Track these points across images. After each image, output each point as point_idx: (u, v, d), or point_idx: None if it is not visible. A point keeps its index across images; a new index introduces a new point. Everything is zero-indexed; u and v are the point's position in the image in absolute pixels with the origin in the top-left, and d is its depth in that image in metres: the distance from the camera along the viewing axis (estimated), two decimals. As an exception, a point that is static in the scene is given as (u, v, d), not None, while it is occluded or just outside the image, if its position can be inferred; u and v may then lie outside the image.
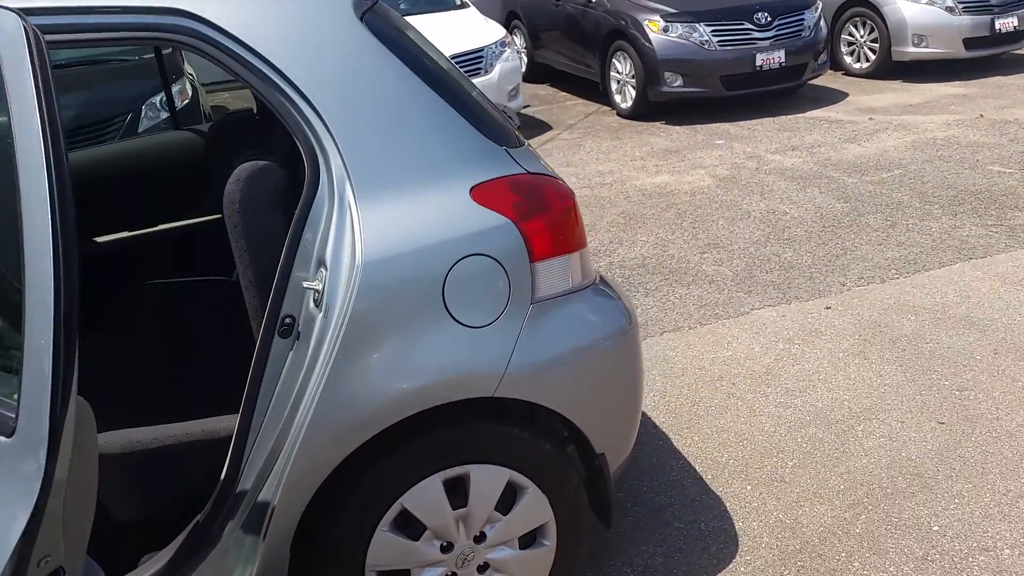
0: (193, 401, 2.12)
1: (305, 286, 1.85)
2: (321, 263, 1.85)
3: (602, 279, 2.23)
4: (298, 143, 1.87)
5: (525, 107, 8.33)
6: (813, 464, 2.83)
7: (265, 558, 1.91)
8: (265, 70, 1.82)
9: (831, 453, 2.88)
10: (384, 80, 1.91)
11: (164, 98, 6.46)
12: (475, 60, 7.36)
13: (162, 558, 1.94)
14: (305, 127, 1.85)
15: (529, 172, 1.99)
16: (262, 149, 2.11)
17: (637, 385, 2.19)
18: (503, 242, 1.90)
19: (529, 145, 2.21)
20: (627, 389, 2.16)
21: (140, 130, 6.27)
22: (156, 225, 3.24)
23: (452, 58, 7.18)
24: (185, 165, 3.12)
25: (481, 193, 1.91)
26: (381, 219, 1.84)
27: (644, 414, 3.17)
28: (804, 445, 2.94)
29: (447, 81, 2.00)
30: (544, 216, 1.97)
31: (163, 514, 2.07)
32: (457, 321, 1.87)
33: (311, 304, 1.86)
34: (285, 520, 1.90)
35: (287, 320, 1.88)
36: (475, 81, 7.29)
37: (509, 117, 2.38)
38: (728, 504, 2.66)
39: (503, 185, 1.94)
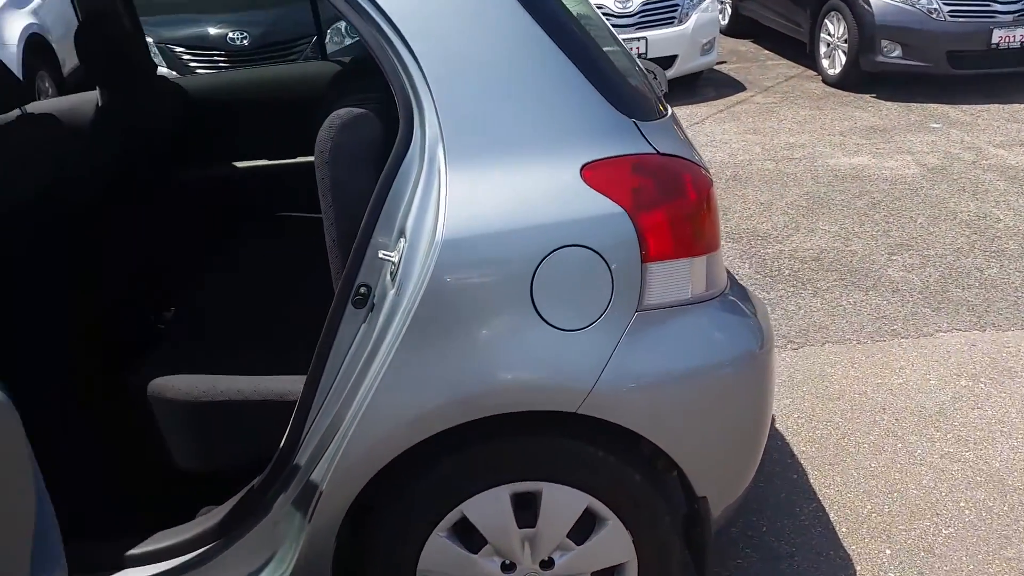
0: (287, 349, 1.99)
1: (381, 256, 1.63)
2: (402, 233, 1.62)
3: (736, 288, 1.86)
4: (393, 91, 1.63)
5: (720, 63, 7.75)
6: (974, 539, 2.35)
7: (309, 540, 1.76)
8: (361, 1, 1.58)
9: (1000, 529, 2.38)
10: (498, 27, 1.61)
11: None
12: (670, 8, 6.86)
13: (215, 516, 1.85)
14: (402, 73, 1.60)
15: (659, 152, 1.65)
16: (374, 95, 1.89)
17: (760, 423, 1.82)
18: (611, 234, 1.58)
19: (674, 118, 1.85)
20: (746, 427, 1.80)
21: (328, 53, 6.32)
22: (295, 157, 3.15)
23: (645, 4, 6.83)
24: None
25: (594, 173, 1.59)
26: (471, 191, 1.57)
27: (782, 437, 2.77)
28: (967, 512, 2.45)
29: (577, 35, 1.67)
30: (668, 208, 1.62)
31: (230, 470, 1.97)
32: (543, 320, 1.59)
33: (388, 277, 1.64)
34: (332, 506, 1.73)
35: (362, 289, 1.67)
36: (668, 31, 6.84)
37: (655, 80, 2.02)
38: (859, 568, 2.25)
39: (623, 166, 1.61)
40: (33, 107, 3.06)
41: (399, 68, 1.60)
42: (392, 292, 1.61)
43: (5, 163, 1.95)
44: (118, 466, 2.22)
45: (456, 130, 1.58)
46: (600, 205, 1.58)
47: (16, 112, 2.09)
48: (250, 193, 3.13)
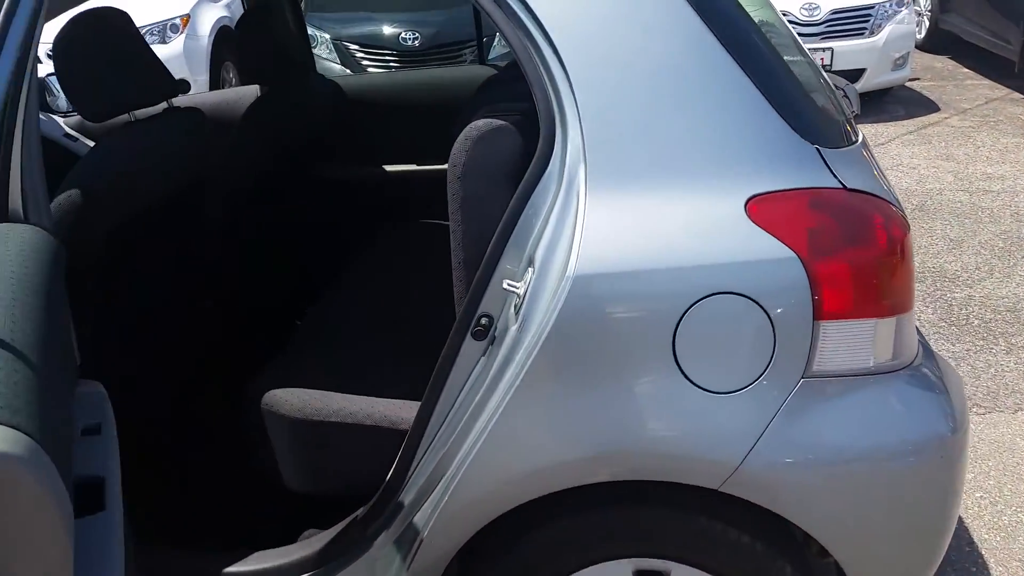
0: (410, 368, 1.85)
1: (506, 286, 1.44)
2: (530, 262, 1.42)
3: (927, 355, 1.54)
4: (535, 100, 1.44)
5: (912, 80, 7.12)
6: None
7: None
8: (505, -4, 1.40)
9: None
10: (662, 31, 1.38)
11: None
12: (861, 18, 6.35)
13: (316, 543, 1.73)
14: (545, 79, 1.41)
15: (846, 187, 1.37)
16: (521, 105, 1.71)
17: (945, 521, 1.50)
18: (779, 283, 1.32)
19: (865, 145, 1.56)
20: (928, 525, 1.48)
21: (490, 57, 6.25)
22: (445, 163, 3.04)
23: (834, 13, 6.36)
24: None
25: (762, 208, 1.34)
26: (612, 220, 1.35)
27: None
28: None
29: (755, 44, 1.42)
30: (852, 255, 1.34)
31: (336, 494, 1.85)
32: (686, 377, 1.35)
33: (512, 309, 1.45)
34: (433, 555, 1.57)
35: (483, 320, 1.49)
36: (858, 42, 6.33)
37: (844, 99, 1.73)
38: None
39: (799, 201, 1.35)
40: (180, 100, 3.10)
41: (543, 74, 1.41)
42: (514, 327, 1.42)
43: (146, 157, 1.91)
44: (227, 476, 2.16)
45: (602, 148, 1.37)
46: (767, 247, 1.32)
47: (163, 105, 2.05)
48: (395, 197, 3.04)
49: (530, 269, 1.42)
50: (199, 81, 6.92)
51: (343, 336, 2.12)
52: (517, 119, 1.59)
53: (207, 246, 2.25)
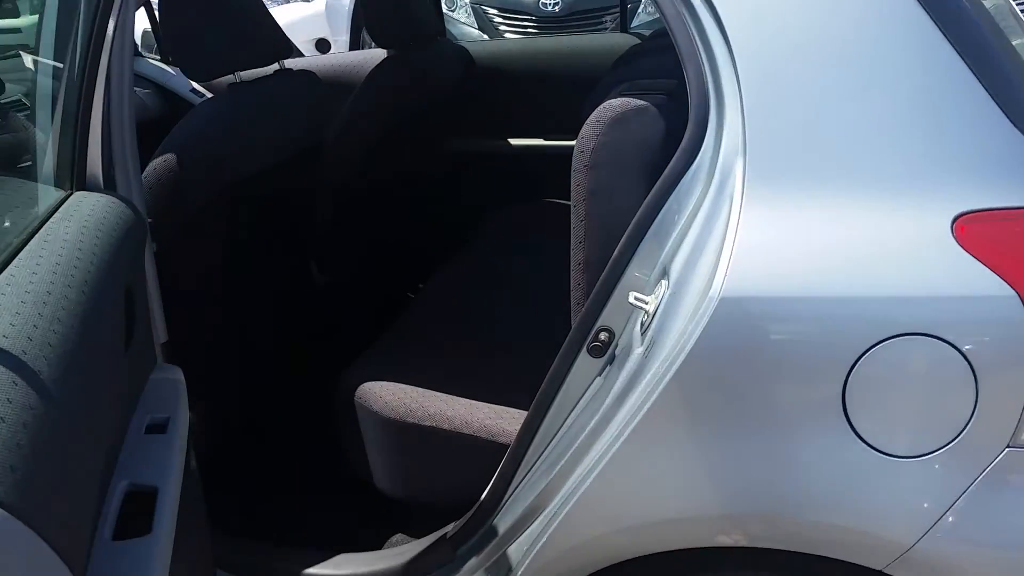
0: (521, 370, 1.66)
1: (632, 301, 1.21)
2: (664, 273, 1.18)
3: None
4: (687, 79, 1.19)
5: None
6: None
7: None
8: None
9: None
10: (856, 4, 1.10)
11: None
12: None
13: (402, 554, 1.60)
14: (700, 52, 1.16)
15: (1087, 208, 1.06)
16: (665, 81, 1.46)
17: None
18: (989, 327, 1.03)
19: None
20: None
21: (633, 25, 5.93)
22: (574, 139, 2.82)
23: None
24: None
25: (975, 230, 1.04)
26: (775, 231, 1.09)
27: None
28: None
29: (972, 18, 1.12)
30: (1089, 298, 1.03)
31: (427, 503, 1.70)
32: (856, 434, 1.08)
33: (638, 328, 1.22)
34: None
35: (602, 335, 1.27)
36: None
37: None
38: None
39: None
40: (308, 63, 2.97)
41: (698, 45, 1.16)
42: (640, 350, 1.19)
43: (251, 121, 1.78)
44: (317, 468, 2.04)
45: (767, 141, 1.10)
46: (977, 280, 1.03)
47: (275, 66, 1.91)
48: (520, 173, 2.84)
49: (663, 282, 1.18)
50: (339, 42, 6.91)
51: (448, 326, 1.95)
52: (661, 99, 1.34)
53: (315, 217, 2.12)
